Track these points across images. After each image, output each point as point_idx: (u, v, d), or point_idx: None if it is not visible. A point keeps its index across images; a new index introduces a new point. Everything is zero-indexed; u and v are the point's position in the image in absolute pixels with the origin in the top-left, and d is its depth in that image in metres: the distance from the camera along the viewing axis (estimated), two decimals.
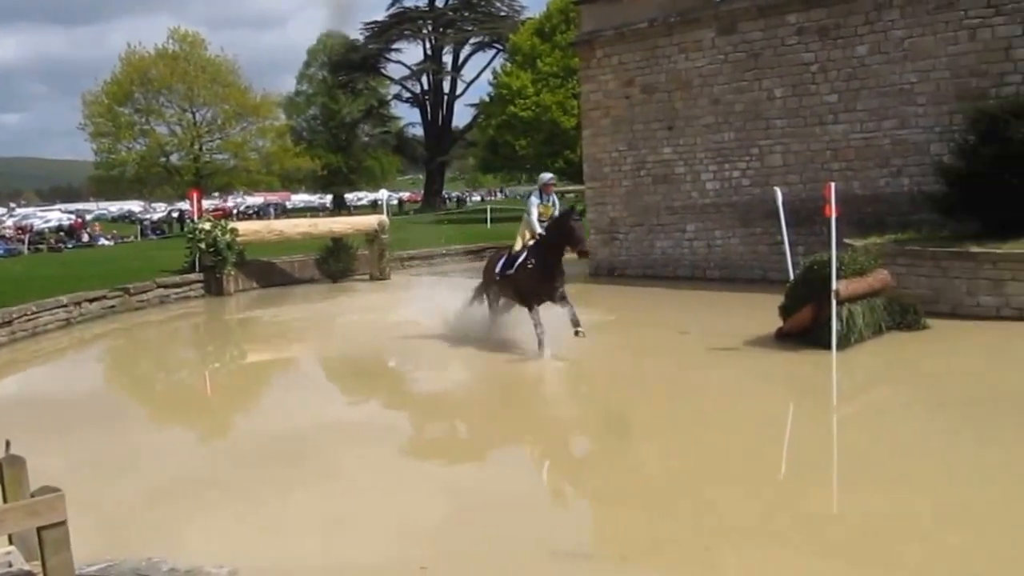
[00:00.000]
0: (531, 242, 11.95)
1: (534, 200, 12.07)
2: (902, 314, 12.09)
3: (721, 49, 18.95)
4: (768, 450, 7.74)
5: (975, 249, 12.89)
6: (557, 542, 5.61)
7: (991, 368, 10.42)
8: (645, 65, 20.38)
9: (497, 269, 12.38)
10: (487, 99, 54.85)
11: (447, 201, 76.60)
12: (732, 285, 17.36)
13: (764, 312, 12.14)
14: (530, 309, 11.65)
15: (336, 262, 22.83)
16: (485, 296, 13.09)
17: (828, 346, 10.63)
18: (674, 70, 19.77)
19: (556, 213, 11.96)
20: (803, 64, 17.69)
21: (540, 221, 11.87)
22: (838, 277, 10.79)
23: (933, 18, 15.94)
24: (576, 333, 11.29)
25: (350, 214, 48.19)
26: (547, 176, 12.46)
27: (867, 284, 11.59)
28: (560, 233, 11.51)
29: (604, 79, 21.27)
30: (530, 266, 11.63)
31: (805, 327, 11.29)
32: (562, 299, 11.66)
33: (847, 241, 13.88)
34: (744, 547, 5.46)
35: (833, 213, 10.80)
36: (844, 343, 10.86)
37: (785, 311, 11.60)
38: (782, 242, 12.66)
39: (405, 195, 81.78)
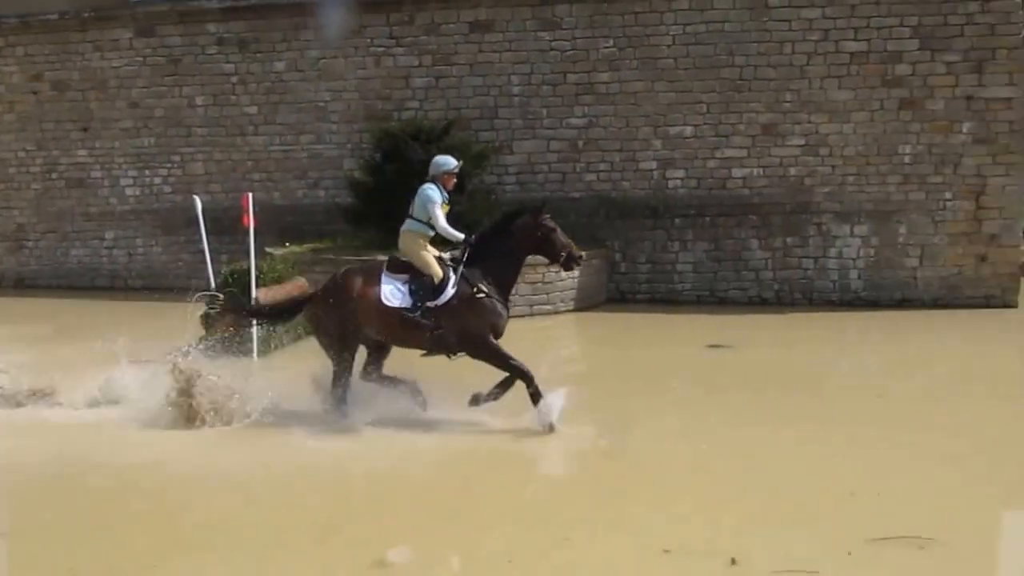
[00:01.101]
0: (453, 256, 8.59)
1: (434, 196, 8.41)
2: None
3: (140, 51, 18.35)
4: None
5: (382, 257, 14.11)
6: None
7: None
8: (56, 60, 18.96)
9: (398, 303, 8.34)
10: None
11: None
12: (156, 294, 16.86)
13: (191, 321, 11.97)
14: (508, 360, 8.19)
15: None
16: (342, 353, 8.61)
17: (250, 353, 10.92)
18: (89, 68, 18.68)
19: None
20: (224, 74, 17.87)
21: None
22: (257, 285, 11.16)
23: (344, 42, 17.15)
24: (487, 396, 8.25)
25: None
26: (452, 163, 8.61)
27: (286, 292, 12.10)
28: (526, 242, 8.39)
29: (8, 71, 19.34)
30: (480, 296, 8.24)
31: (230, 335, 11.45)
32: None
33: (268, 250, 14.39)
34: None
35: (251, 222, 11.15)
36: (265, 349, 11.23)
37: (208, 320, 11.67)
38: (203, 251, 12.68)
39: None
